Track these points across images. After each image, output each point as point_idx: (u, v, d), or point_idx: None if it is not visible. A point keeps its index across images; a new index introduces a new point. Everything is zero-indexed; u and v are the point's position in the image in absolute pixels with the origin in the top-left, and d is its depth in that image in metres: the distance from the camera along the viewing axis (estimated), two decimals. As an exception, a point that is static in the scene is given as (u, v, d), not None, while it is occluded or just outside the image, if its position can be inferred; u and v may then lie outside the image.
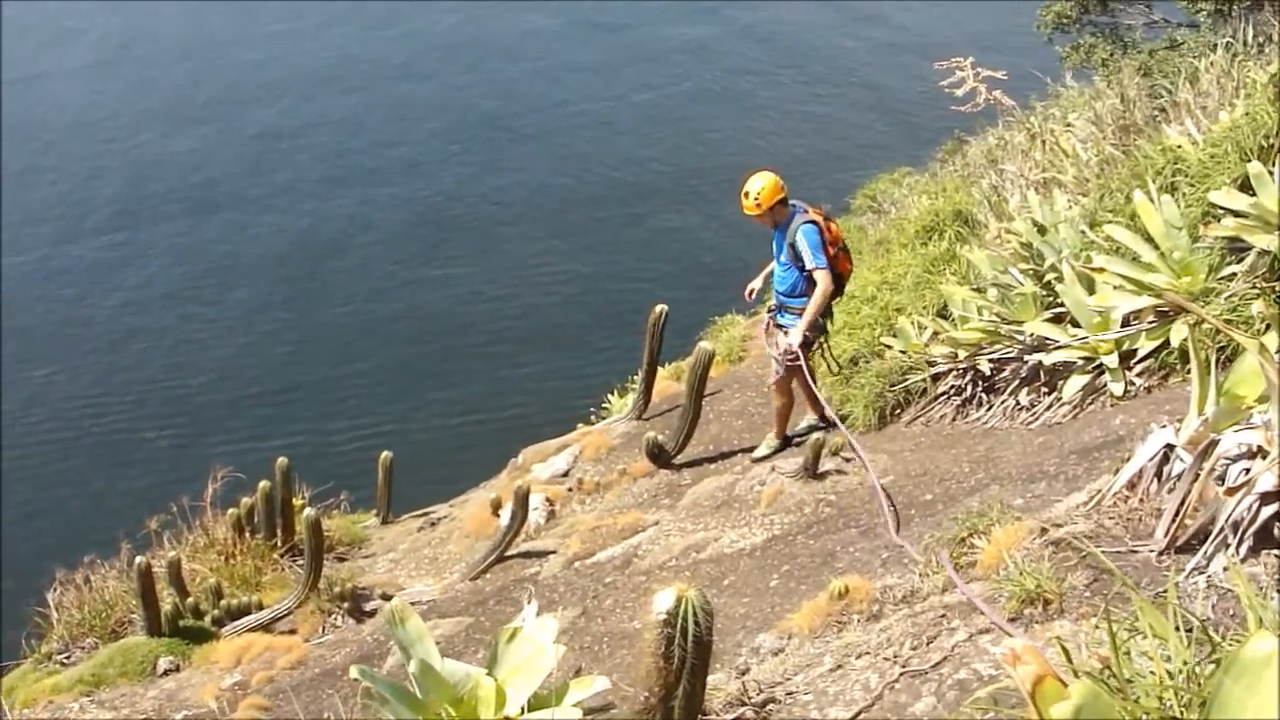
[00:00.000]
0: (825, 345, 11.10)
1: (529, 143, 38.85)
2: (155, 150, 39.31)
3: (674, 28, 45.97)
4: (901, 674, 4.53)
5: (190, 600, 11.24)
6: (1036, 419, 9.09)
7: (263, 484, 12.60)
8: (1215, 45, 12.32)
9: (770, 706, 4.80)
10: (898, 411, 10.90)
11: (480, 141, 38.97)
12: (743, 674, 5.39)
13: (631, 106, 41.13)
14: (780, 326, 10.80)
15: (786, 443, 11.24)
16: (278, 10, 47.61)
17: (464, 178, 37.23)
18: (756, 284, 11.26)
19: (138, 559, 10.79)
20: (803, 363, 10.59)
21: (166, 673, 10.33)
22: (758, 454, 11.24)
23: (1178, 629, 2.97)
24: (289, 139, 39.71)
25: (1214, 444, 4.46)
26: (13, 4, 45.42)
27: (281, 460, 12.96)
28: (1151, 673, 2.82)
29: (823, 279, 10.28)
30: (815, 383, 11.00)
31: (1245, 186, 8.13)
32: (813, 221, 10.35)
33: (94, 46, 45.60)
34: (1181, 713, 2.63)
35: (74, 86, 42.67)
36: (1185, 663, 2.82)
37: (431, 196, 36.23)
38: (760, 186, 10.29)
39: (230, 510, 12.78)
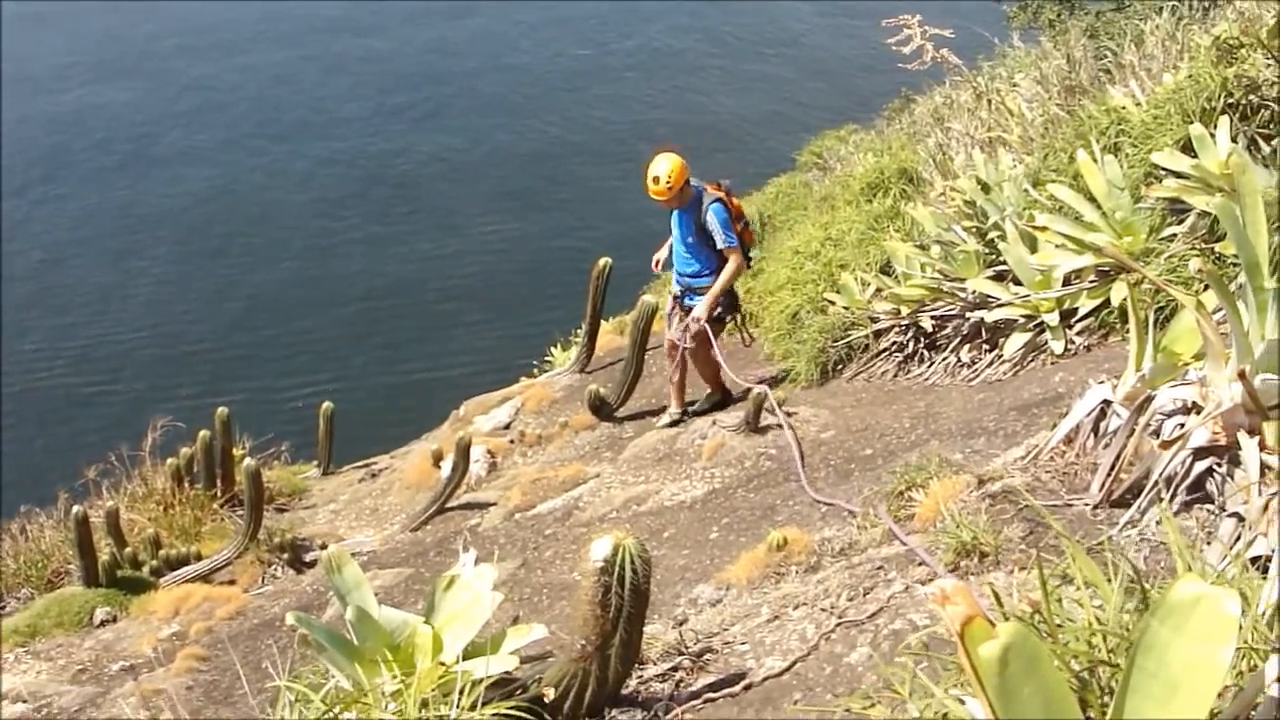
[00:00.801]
0: (740, 319, 11.31)
1: (469, 99, 38.74)
2: (87, 103, 38.76)
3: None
4: (838, 625, 4.56)
5: (128, 550, 11.16)
6: (977, 376, 9.14)
7: (202, 434, 12.51)
8: (1160, 8, 12.36)
9: (707, 656, 4.82)
10: (840, 367, 10.93)
11: (421, 98, 38.85)
12: (680, 624, 5.40)
13: (575, 65, 40.97)
14: (688, 310, 10.77)
15: (684, 414, 11.23)
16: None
17: (406, 134, 37.21)
18: (662, 254, 11.21)
19: (75, 508, 10.70)
20: (711, 337, 10.66)
21: (103, 623, 10.26)
22: (661, 424, 11.23)
23: (1110, 579, 3.00)
24: (225, 92, 39.36)
25: (1150, 400, 4.50)
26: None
27: (221, 410, 12.87)
28: (1082, 618, 2.85)
29: (735, 258, 10.46)
30: (720, 358, 10.96)
31: (1187, 148, 8.18)
32: (719, 199, 10.41)
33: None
34: (1110, 656, 2.65)
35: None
36: (1116, 609, 2.85)
37: (374, 153, 36.16)
38: (668, 169, 10.21)
39: (169, 460, 12.67)
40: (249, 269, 30.70)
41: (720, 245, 10.36)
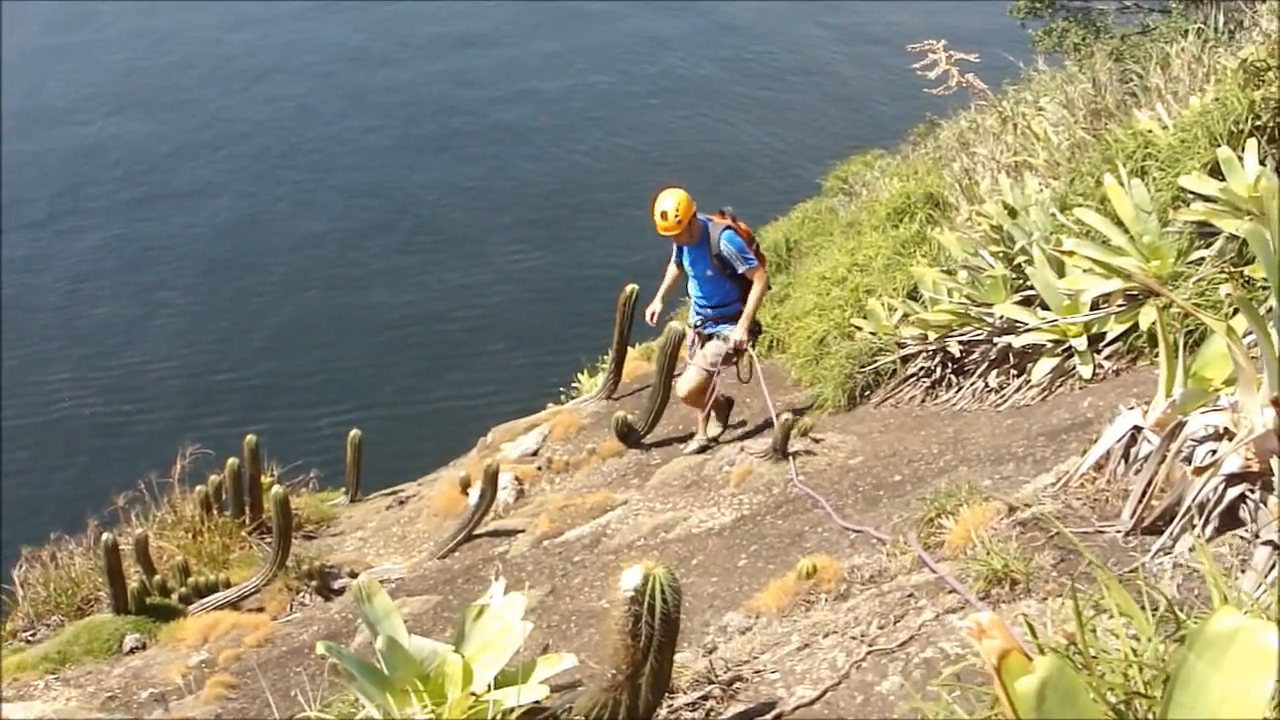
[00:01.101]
0: (752, 349, 11.07)
1: (494, 131, 38.69)
2: (109, 134, 38.93)
3: (643, 20, 45.65)
4: (868, 653, 4.54)
5: (157, 578, 11.18)
6: (1005, 401, 9.12)
7: (231, 461, 12.55)
8: (1186, 31, 12.37)
9: (737, 684, 4.81)
10: (867, 393, 10.93)
11: (443, 128, 38.86)
12: (710, 652, 5.39)
13: (596, 93, 40.97)
14: (712, 336, 10.80)
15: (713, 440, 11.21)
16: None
17: (428, 164, 37.33)
18: (657, 307, 11.17)
19: (104, 536, 10.73)
20: (747, 355, 10.79)
21: (133, 650, 10.28)
22: (689, 450, 11.15)
23: (1143, 607, 2.98)
24: (247, 124, 39.43)
25: (1181, 426, 4.48)
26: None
27: (250, 438, 12.91)
28: (1117, 649, 2.83)
29: (762, 276, 10.63)
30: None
31: (1215, 171, 8.16)
32: (728, 227, 10.49)
33: (40, 29, 44.99)
34: (1146, 688, 2.64)
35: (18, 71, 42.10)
36: (1150, 640, 2.83)
37: (397, 183, 36.21)
38: (674, 203, 10.29)
39: (198, 488, 12.72)
40: (275, 299, 30.83)
41: (742, 269, 10.47)
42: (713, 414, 11.23)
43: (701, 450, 10.98)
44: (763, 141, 37.57)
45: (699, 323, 10.90)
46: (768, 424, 10.86)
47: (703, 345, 10.84)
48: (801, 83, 41.31)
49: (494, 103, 40.06)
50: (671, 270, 11.08)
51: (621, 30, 44.82)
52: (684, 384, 10.87)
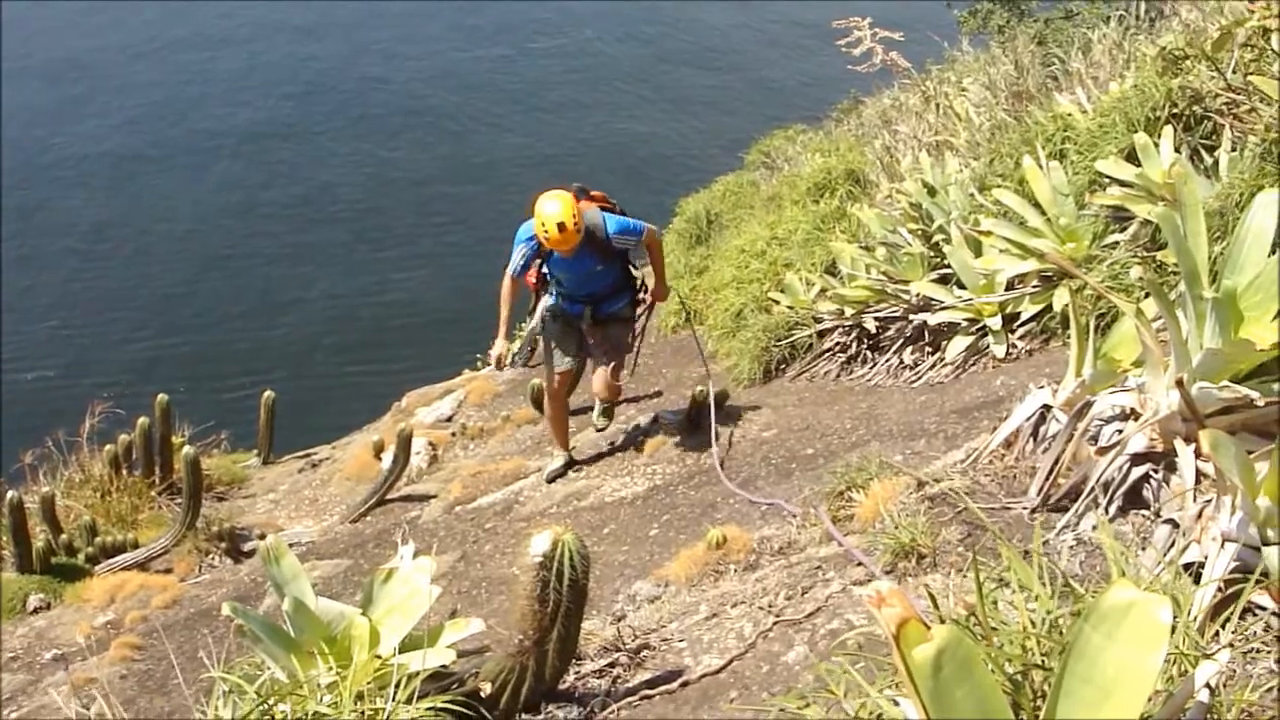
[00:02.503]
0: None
1: (401, 114, 38.21)
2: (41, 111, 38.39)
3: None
4: (775, 623, 4.57)
5: (64, 537, 11.03)
6: (919, 378, 9.19)
7: (141, 420, 12.39)
8: (1109, 17, 12.50)
9: (645, 653, 4.83)
10: (783, 366, 10.97)
11: (354, 110, 38.46)
12: (618, 620, 5.41)
13: (496, 76, 40.70)
14: (609, 321, 9.56)
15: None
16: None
17: (343, 143, 36.91)
18: (506, 347, 9.68)
19: (9, 493, 10.59)
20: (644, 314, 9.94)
21: (37, 610, 10.15)
22: (550, 471, 9.96)
23: (1045, 582, 3.02)
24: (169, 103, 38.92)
25: (1089, 405, 4.53)
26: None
27: (161, 397, 12.75)
28: (1016, 622, 2.87)
29: (654, 237, 9.57)
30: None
31: (1131, 157, 8.26)
32: (603, 208, 9.27)
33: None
34: (1043, 660, 2.67)
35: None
36: (1049, 613, 2.87)
37: (318, 159, 35.88)
38: (570, 211, 8.71)
39: (107, 447, 12.55)
40: (193, 257, 30.51)
41: (638, 239, 9.29)
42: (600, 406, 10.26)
43: (567, 469, 10.02)
44: (682, 122, 37.58)
45: (590, 312, 9.49)
46: (682, 394, 10.88)
47: (600, 333, 9.57)
48: (724, 62, 41.27)
49: (410, 82, 39.61)
50: (509, 288, 9.32)
51: (536, 8, 44.43)
52: (603, 381, 9.58)
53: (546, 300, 9.64)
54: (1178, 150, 7.98)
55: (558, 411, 10.03)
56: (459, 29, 42.48)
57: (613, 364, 9.57)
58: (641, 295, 9.77)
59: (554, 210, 8.69)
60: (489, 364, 10.34)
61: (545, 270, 9.51)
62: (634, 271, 9.71)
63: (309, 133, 36.04)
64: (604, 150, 34.34)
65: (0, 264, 29.84)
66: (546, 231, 8.70)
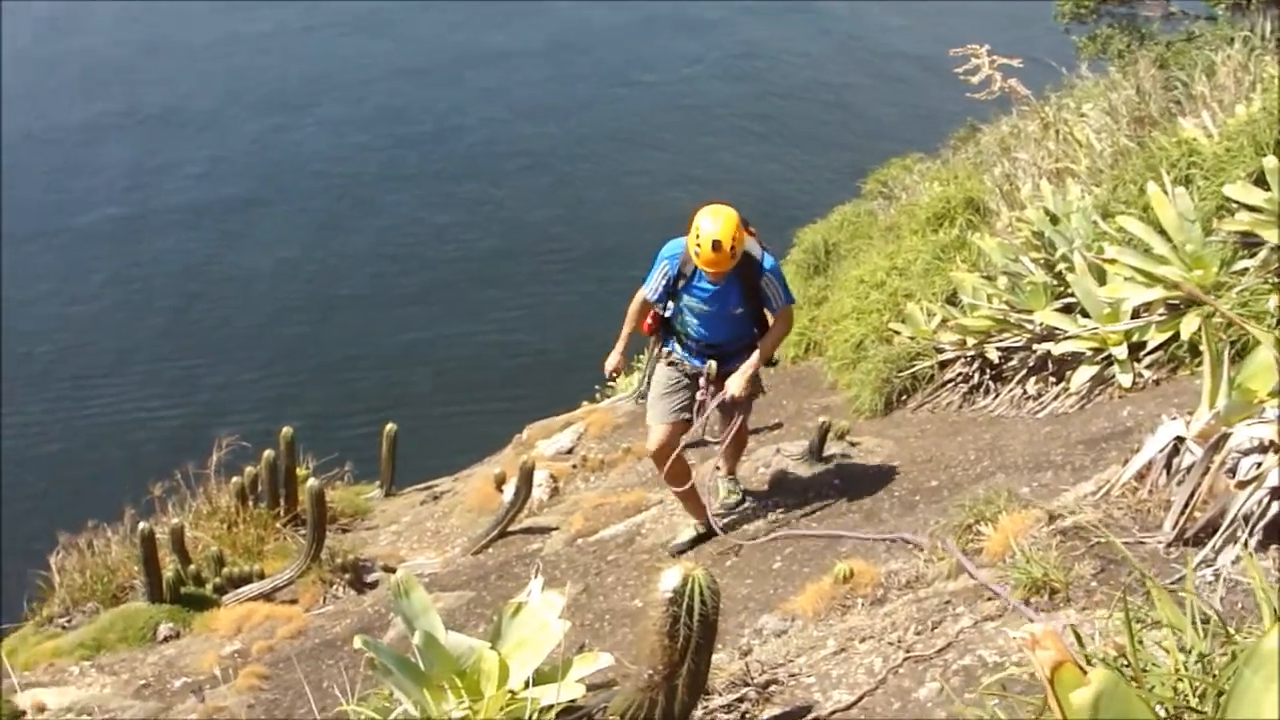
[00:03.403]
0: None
1: (504, 162, 38.44)
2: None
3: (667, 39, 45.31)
4: (905, 659, 4.53)
5: (192, 567, 11.23)
6: (1043, 408, 9.09)
7: (267, 453, 12.57)
8: (1232, 39, 12.29)
9: (773, 687, 4.81)
10: (904, 397, 10.90)
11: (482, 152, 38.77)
12: (745, 654, 5.39)
13: (628, 105, 40.78)
14: (727, 375, 8.30)
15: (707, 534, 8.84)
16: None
17: (483, 143, 37.27)
18: (620, 362, 8.85)
19: (141, 525, 10.78)
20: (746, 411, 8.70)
21: (167, 639, 10.33)
22: (678, 544, 8.89)
23: (1192, 621, 2.97)
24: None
25: (1225, 437, 4.45)
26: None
27: (286, 430, 12.93)
28: (1165, 662, 2.82)
29: (790, 316, 8.46)
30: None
31: (1260, 181, 8.13)
32: (766, 251, 8.15)
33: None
34: (1196, 703, 2.62)
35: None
36: (1200, 653, 2.82)
37: (449, 160, 36.26)
38: (728, 229, 7.69)
39: (234, 479, 12.75)
40: (316, 291, 30.89)
41: (777, 307, 8.19)
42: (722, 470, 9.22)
43: (696, 543, 8.87)
44: (799, 134, 37.55)
45: (710, 368, 8.32)
46: (803, 426, 10.84)
47: (716, 391, 8.34)
48: (827, 96, 41.08)
49: (516, 122, 39.74)
50: (638, 309, 8.51)
51: (634, 49, 44.41)
52: (728, 434, 8.67)
53: (665, 347, 8.59)
54: (1309, 174, 7.84)
55: (676, 477, 8.56)
56: (561, 71, 42.53)
57: (734, 413, 8.51)
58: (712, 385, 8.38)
59: (713, 227, 7.66)
60: (606, 376, 9.22)
61: (669, 311, 8.43)
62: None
63: (420, 175, 36.24)
64: (713, 187, 34.21)
65: (127, 308, 30.48)
66: (699, 247, 7.69)
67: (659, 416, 8.47)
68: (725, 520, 8.78)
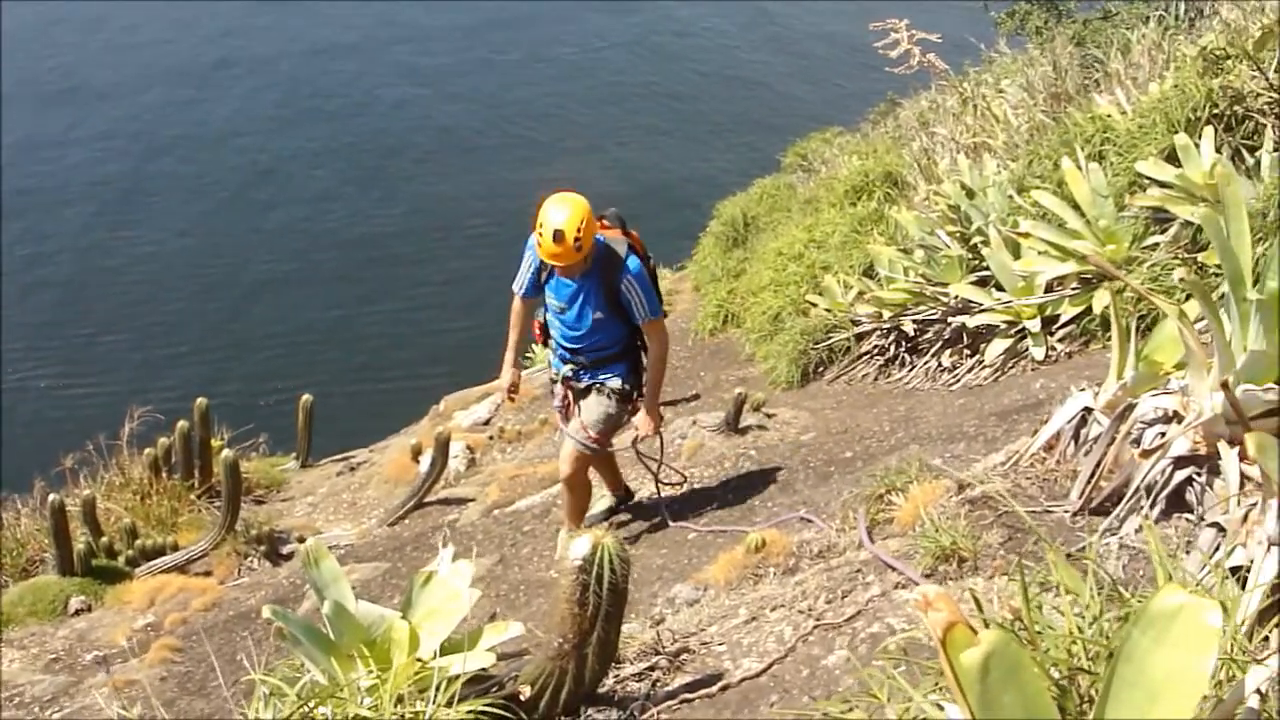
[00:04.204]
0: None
1: (421, 145, 38.24)
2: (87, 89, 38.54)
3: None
4: (815, 627, 4.55)
5: (104, 540, 11.09)
6: (958, 381, 9.18)
7: (180, 424, 12.45)
8: (1148, 18, 12.43)
9: (684, 656, 4.81)
10: (820, 369, 10.97)
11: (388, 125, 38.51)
12: (658, 623, 5.40)
13: (556, 68, 40.68)
14: (590, 389, 7.70)
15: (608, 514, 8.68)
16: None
17: (392, 118, 37.01)
18: (515, 375, 8.02)
19: (51, 496, 10.62)
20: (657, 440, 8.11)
21: (78, 612, 10.20)
22: (593, 512, 8.57)
23: (1089, 586, 3.00)
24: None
25: (1131, 408, 4.50)
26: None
27: (200, 401, 12.80)
28: (1062, 626, 2.85)
29: (661, 333, 7.68)
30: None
31: (1172, 158, 8.22)
32: (632, 251, 7.45)
33: None
34: (1089, 664, 2.65)
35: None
36: (1095, 617, 2.85)
37: (363, 136, 35.97)
38: (574, 218, 7.01)
39: (147, 450, 12.61)
40: (233, 259, 30.60)
41: (646, 318, 7.42)
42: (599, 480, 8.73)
43: (611, 512, 8.72)
44: (721, 114, 37.53)
45: (570, 373, 7.72)
46: (720, 398, 10.86)
47: (577, 401, 7.80)
48: (759, 62, 41.16)
49: (435, 101, 39.48)
50: (519, 309, 7.80)
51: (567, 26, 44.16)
52: (565, 463, 7.93)
53: (549, 354, 8.07)
54: (1219, 151, 7.95)
55: (596, 466, 8.33)
56: (480, 47, 42.16)
57: (578, 447, 7.79)
58: (631, 407, 7.85)
59: (556, 216, 7.00)
60: (506, 395, 8.21)
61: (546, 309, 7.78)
62: (642, 360, 7.77)
63: (335, 152, 35.86)
64: (634, 166, 34.21)
65: (38, 284, 30.05)
66: (540, 237, 7.07)
67: (567, 442, 7.93)
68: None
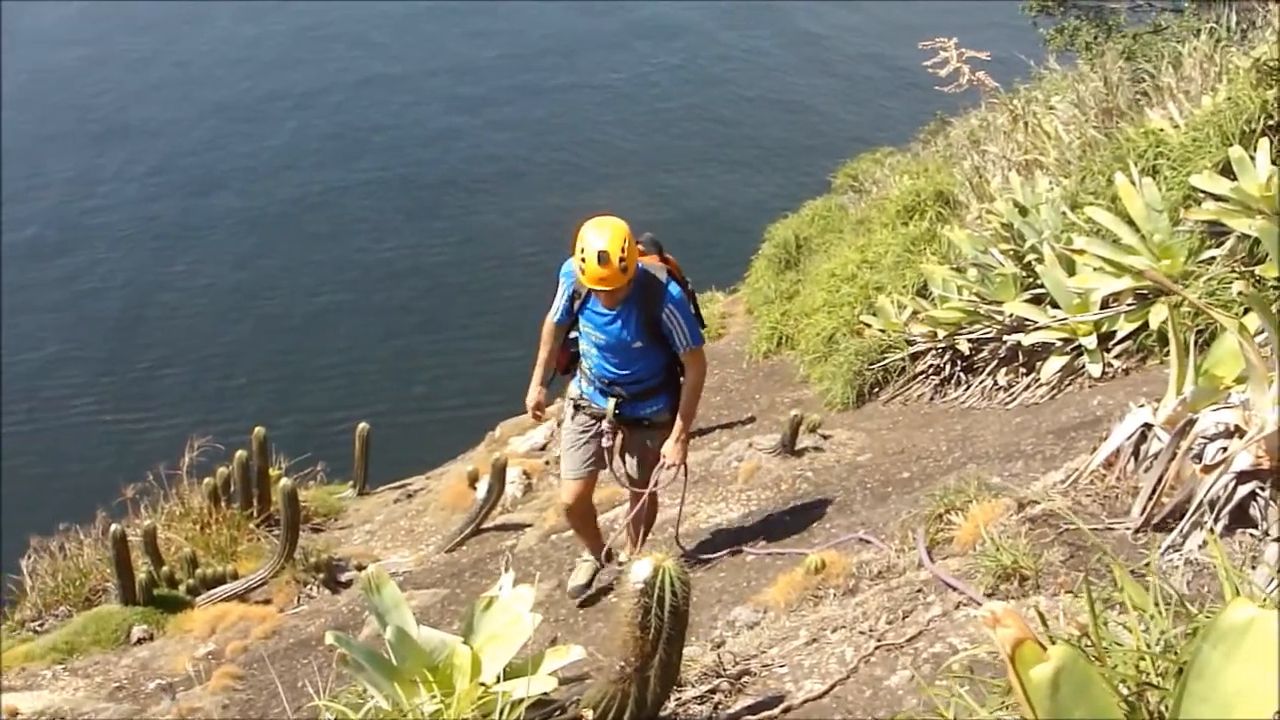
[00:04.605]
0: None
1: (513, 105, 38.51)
2: (120, 122, 38.89)
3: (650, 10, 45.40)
4: (877, 648, 4.53)
5: (165, 569, 11.18)
6: (1014, 399, 9.13)
7: (239, 453, 12.54)
8: (1199, 30, 12.35)
9: (745, 678, 4.81)
10: (876, 390, 10.95)
11: (454, 120, 38.64)
12: (718, 646, 5.39)
13: (602, 94, 40.77)
14: (638, 423, 7.50)
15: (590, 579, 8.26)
16: None
17: (441, 149, 37.14)
18: (540, 395, 7.80)
19: (113, 527, 10.71)
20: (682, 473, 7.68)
21: (140, 641, 10.29)
22: (577, 583, 8.26)
23: (1156, 602, 2.98)
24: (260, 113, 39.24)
25: (1191, 423, 4.47)
26: None
27: (258, 430, 12.90)
28: (1129, 643, 2.83)
29: (700, 363, 7.35)
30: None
31: (1226, 171, 8.17)
32: (672, 277, 7.22)
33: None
34: (1158, 681, 2.64)
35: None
36: (1163, 633, 2.83)
37: (414, 167, 36.10)
38: (620, 242, 6.74)
39: (206, 480, 12.71)
40: (286, 290, 30.76)
41: (681, 347, 7.18)
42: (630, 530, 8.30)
43: (593, 578, 8.27)
44: (771, 138, 37.48)
45: (616, 405, 7.37)
46: (775, 420, 10.85)
47: (623, 438, 7.59)
48: (803, 85, 41.13)
49: (485, 131, 39.65)
50: (550, 329, 7.60)
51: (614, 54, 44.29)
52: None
53: (572, 387, 7.74)
54: (1274, 163, 7.89)
55: (577, 521, 8.07)
56: (527, 77, 42.34)
57: (641, 481, 7.66)
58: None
59: (599, 238, 6.74)
60: (529, 413, 8.01)
61: (578, 340, 7.56)
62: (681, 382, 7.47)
63: (388, 184, 36.01)
64: (683, 194, 34.22)
65: (98, 320, 30.34)
66: (584, 263, 6.77)
67: (569, 471, 7.70)
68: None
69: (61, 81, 40.67)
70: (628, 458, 7.64)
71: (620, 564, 7.98)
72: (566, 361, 7.68)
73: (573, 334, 7.55)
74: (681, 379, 7.43)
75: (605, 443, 7.50)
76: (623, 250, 6.68)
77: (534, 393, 7.71)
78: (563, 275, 7.29)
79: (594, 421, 7.50)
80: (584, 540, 8.22)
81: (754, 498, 9.11)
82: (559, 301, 7.38)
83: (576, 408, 7.60)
